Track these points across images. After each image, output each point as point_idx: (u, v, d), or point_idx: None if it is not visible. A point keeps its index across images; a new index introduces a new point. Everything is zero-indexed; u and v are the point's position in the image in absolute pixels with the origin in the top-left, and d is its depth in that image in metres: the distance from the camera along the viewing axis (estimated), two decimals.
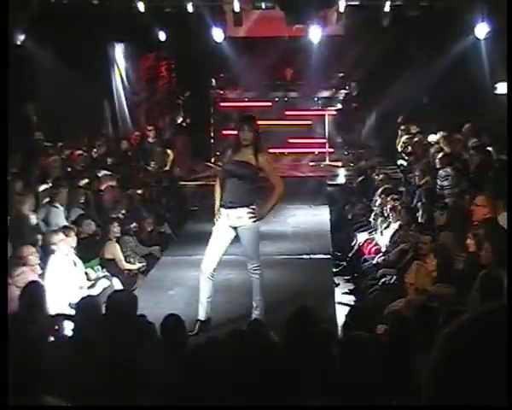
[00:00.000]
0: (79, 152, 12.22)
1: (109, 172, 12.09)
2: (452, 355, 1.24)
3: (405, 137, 14.61)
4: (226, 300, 8.21)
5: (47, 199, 9.95)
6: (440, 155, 11.58)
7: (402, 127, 15.13)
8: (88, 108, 14.23)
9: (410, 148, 14.09)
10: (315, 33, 14.59)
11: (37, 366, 4.16)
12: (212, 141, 17.11)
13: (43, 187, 10.39)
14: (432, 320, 4.99)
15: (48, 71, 13.52)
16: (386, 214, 10.38)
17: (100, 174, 11.70)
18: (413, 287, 6.82)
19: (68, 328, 6.08)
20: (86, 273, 8.60)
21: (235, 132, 7.46)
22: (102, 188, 11.30)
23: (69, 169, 11.61)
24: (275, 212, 8.70)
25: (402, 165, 14.16)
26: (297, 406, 3.78)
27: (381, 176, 12.30)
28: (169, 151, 14.32)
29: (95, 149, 13.17)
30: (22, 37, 12.75)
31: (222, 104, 17.22)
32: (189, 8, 14.34)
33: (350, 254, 10.53)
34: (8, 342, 3.32)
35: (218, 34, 14.97)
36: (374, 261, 9.39)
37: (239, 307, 7.88)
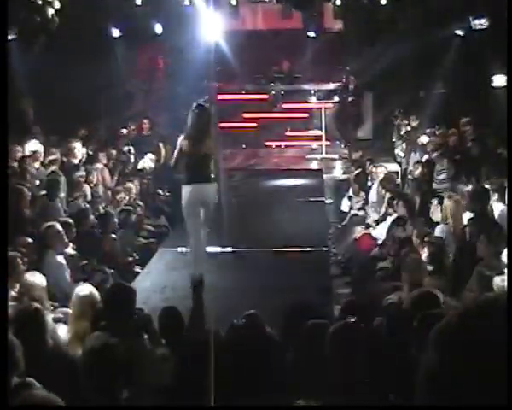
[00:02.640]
0: (76, 145, 12.19)
1: (105, 166, 12.08)
2: (445, 350, 1.24)
3: (402, 129, 14.62)
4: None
5: (44, 193, 9.94)
6: (437, 147, 11.59)
7: (399, 120, 15.13)
8: (84, 101, 14.20)
9: (407, 140, 14.09)
10: (312, 26, 14.57)
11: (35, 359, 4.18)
12: None
13: (39, 181, 10.38)
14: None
15: (44, 65, 13.47)
16: (382, 207, 10.39)
17: (96, 167, 11.69)
18: (407, 280, 6.81)
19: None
20: (83, 267, 8.59)
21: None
22: (99, 181, 11.30)
23: (66, 162, 11.58)
24: None
25: (399, 155, 14.16)
26: (297, 406, 3.79)
27: (378, 168, 12.29)
28: (161, 145, 14.29)
29: (90, 143, 13.13)
30: (16, 30, 12.67)
31: (219, 97, 17.18)
32: (186, 0, 14.31)
33: (347, 247, 10.54)
34: (7, 341, 3.33)
35: (214, 27, 14.88)
36: (370, 254, 9.40)
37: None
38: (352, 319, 4.20)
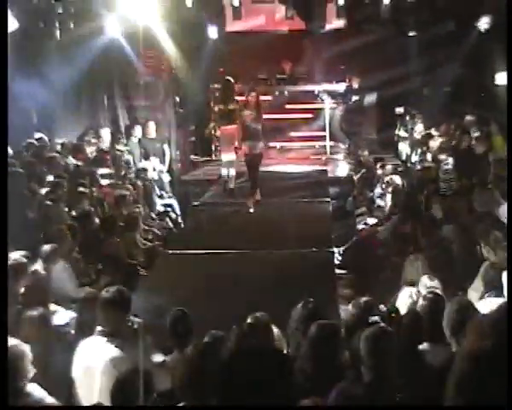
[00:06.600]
0: (80, 148, 12.19)
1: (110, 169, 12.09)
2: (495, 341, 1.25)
3: (407, 128, 14.61)
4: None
5: (48, 196, 9.93)
6: (442, 146, 11.58)
7: (403, 119, 15.12)
8: (88, 104, 14.19)
9: (411, 139, 14.09)
10: (315, 27, 14.57)
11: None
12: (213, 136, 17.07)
13: (45, 184, 10.36)
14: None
15: (49, 66, 13.46)
16: (387, 206, 10.38)
17: (101, 170, 11.69)
18: (407, 279, 6.79)
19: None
20: (88, 270, 8.58)
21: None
22: (104, 184, 11.30)
23: (70, 166, 11.58)
24: None
25: (403, 154, 14.15)
26: (296, 406, 3.78)
27: (383, 168, 12.29)
28: (165, 147, 14.27)
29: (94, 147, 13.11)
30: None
31: None
32: (188, 2, 14.31)
33: (351, 247, 10.51)
34: (7, 342, 3.32)
35: (214, 29, 14.92)
36: (375, 253, 9.38)
37: None
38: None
